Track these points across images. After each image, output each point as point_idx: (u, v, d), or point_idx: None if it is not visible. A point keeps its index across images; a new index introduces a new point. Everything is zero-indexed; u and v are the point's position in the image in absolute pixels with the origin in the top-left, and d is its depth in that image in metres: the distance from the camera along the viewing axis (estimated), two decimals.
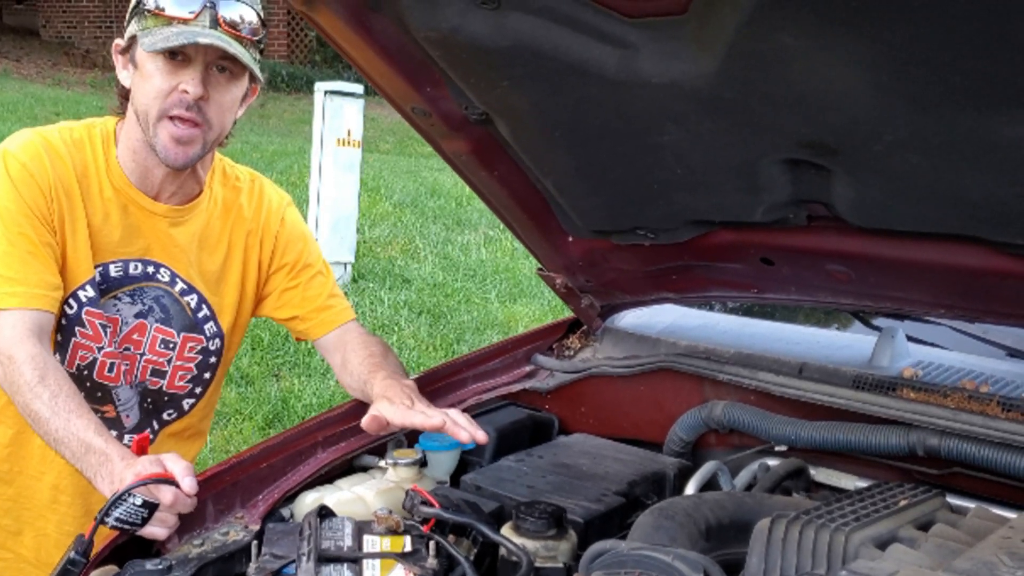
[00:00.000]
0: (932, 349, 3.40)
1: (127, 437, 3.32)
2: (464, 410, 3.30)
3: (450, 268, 12.26)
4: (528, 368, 3.70)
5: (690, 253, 3.11)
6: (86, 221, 3.14)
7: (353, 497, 2.83)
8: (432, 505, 2.56)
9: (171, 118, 3.03)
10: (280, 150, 18.16)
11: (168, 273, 3.28)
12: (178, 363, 3.37)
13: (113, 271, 3.21)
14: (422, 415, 2.83)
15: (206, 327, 3.38)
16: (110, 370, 3.27)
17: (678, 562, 2.19)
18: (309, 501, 2.80)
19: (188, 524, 2.65)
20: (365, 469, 3.09)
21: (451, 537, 2.54)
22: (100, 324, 3.21)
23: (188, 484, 2.58)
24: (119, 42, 3.16)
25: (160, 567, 2.40)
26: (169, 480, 2.56)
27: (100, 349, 3.24)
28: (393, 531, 2.49)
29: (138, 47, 3.04)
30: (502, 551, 2.49)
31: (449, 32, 2.42)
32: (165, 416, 3.44)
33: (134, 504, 2.48)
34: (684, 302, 3.76)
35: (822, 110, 2.22)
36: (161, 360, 3.34)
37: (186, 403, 3.47)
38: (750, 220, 2.79)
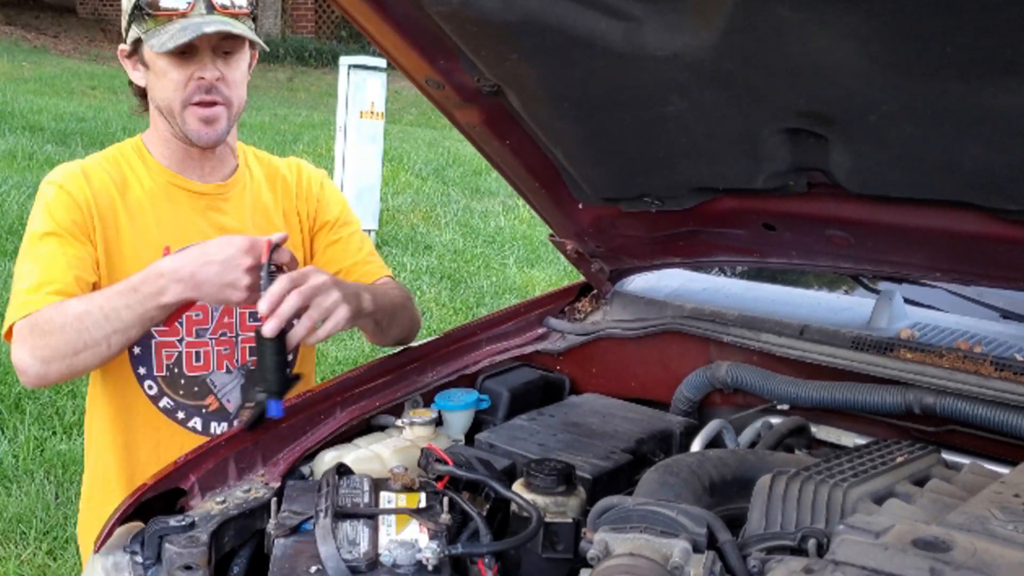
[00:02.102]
0: (928, 311, 3.43)
1: (236, 424, 3.35)
2: (479, 371, 3.38)
3: (470, 235, 12.27)
4: (540, 331, 3.73)
5: (695, 219, 3.13)
6: (133, 225, 3.20)
7: (370, 455, 2.87)
8: (446, 463, 2.62)
9: (194, 104, 3.12)
10: (307, 122, 18.22)
11: None
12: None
13: None
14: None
15: None
16: (198, 359, 3.31)
17: (682, 517, 2.19)
18: (328, 459, 2.83)
19: (211, 482, 2.68)
20: (382, 428, 3.11)
21: (465, 493, 2.58)
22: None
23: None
24: (124, 47, 3.23)
25: (183, 523, 2.43)
26: None
27: (181, 341, 3.28)
28: (408, 488, 2.54)
29: (145, 48, 3.11)
30: (513, 507, 2.52)
31: (459, 6, 2.44)
32: None
33: None
34: (690, 266, 3.79)
35: (819, 81, 2.24)
36: (253, 335, 3.31)
37: None
38: (752, 187, 2.80)
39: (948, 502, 2.25)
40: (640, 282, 3.77)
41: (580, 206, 3.30)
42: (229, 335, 3.35)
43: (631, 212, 3.20)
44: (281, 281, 2.81)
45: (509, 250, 11.78)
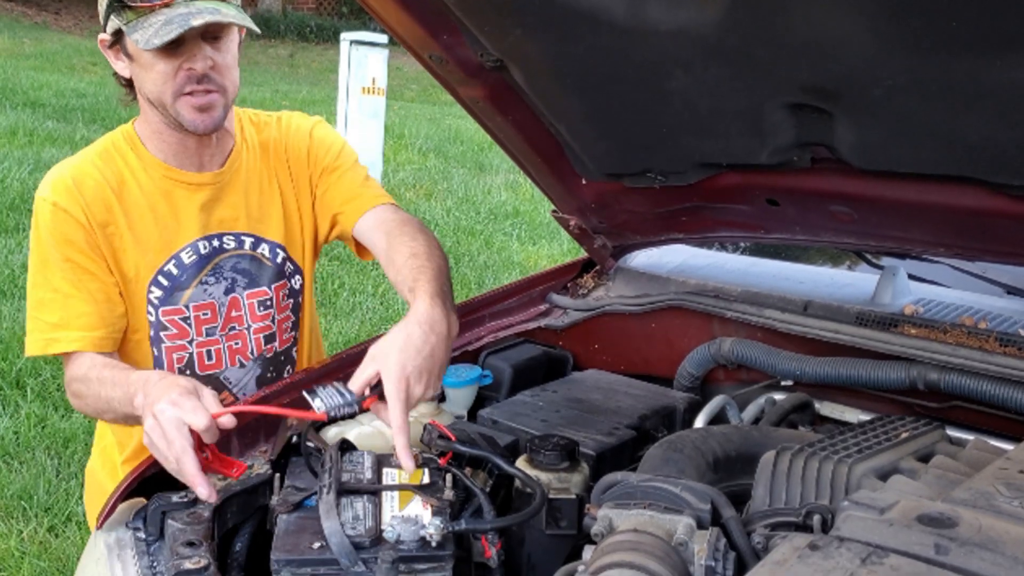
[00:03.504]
0: (932, 287, 3.43)
1: None
2: (481, 347, 3.38)
3: (472, 211, 12.25)
4: (543, 307, 3.74)
5: (698, 195, 3.12)
6: (132, 229, 3.13)
7: (373, 431, 2.87)
8: (449, 439, 2.60)
9: (186, 94, 3.00)
10: (308, 98, 18.21)
11: (233, 238, 3.27)
12: (280, 317, 3.38)
13: (186, 259, 3.20)
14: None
15: (286, 269, 3.37)
16: (209, 358, 3.29)
17: (686, 493, 2.20)
18: (331, 435, 2.82)
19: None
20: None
21: (468, 470, 2.57)
22: (181, 319, 3.21)
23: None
24: (104, 37, 3.08)
25: (185, 499, 2.45)
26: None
27: (191, 343, 3.25)
28: None
29: (127, 40, 2.97)
30: (517, 483, 2.53)
31: None
32: (286, 376, 3.43)
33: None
34: (693, 242, 3.77)
35: (823, 56, 2.24)
36: (266, 323, 3.35)
37: (294, 352, 3.49)
38: (756, 162, 2.79)
39: (953, 478, 2.24)
40: (643, 258, 3.77)
41: (583, 182, 3.30)
42: (239, 328, 3.32)
43: (634, 188, 3.20)
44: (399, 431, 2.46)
45: (511, 226, 11.77)
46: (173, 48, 2.93)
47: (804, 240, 3.29)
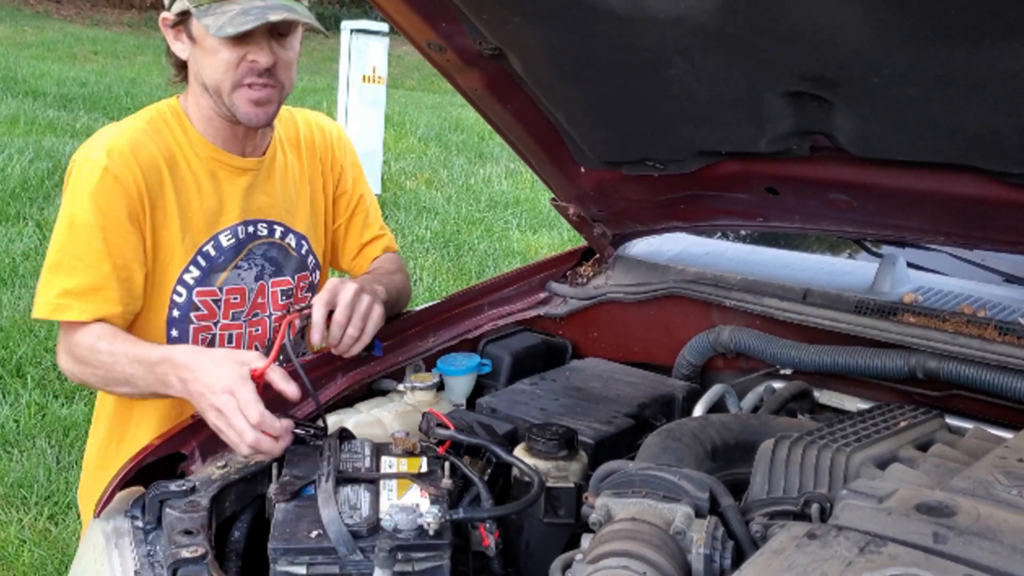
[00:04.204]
0: (931, 275, 3.42)
1: None
2: (481, 336, 3.39)
3: (473, 200, 12.28)
4: (542, 295, 3.73)
5: (698, 183, 3.12)
6: (179, 204, 3.11)
7: (372, 420, 2.88)
8: (448, 427, 2.61)
9: (245, 85, 3.00)
10: (309, 87, 18.23)
11: (266, 225, 3.28)
12: (296, 308, 3.32)
13: (225, 241, 3.19)
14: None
15: (308, 261, 3.41)
16: (229, 342, 3.28)
17: (684, 482, 2.20)
18: (329, 424, 2.79)
19: (212, 447, 2.68)
20: (384, 393, 3.12)
21: (466, 458, 2.57)
22: (213, 300, 3.21)
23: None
24: (167, 16, 3.05)
25: (184, 487, 2.44)
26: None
27: (216, 324, 3.24)
28: (410, 452, 2.54)
29: (195, 23, 2.96)
30: (515, 471, 2.53)
31: None
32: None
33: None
34: (692, 231, 3.75)
35: (822, 44, 2.23)
36: (284, 312, 3.34)
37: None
38: (755, 151, 2.79)
39: (952, 467, 2.25)
40: (642, 246, 3.76)
41: (582, 170, 3.29)
42: (262, 315, 3.33)
43: (633, 176, 3.20)
44: (318, 309, 2.90)
45: (512, 215, 11.79)
46: (240, 38, 2.93)
47: (803, 228, 3.29)
